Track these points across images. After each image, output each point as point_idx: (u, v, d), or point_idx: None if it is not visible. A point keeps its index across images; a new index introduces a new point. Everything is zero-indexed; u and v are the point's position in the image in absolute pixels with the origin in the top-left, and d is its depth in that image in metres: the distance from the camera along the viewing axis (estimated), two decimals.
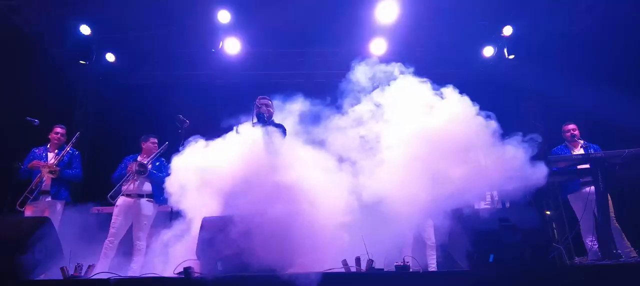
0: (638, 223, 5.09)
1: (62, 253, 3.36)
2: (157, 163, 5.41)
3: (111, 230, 5.00)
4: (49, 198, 5.06)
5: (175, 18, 7.79)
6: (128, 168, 5.18)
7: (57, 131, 5.34)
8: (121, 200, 5.13)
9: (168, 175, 5.33)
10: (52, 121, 5.49)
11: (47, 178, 5.03)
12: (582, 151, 5.03)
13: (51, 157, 5.20)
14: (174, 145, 4.96)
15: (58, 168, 5.05)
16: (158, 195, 5.23)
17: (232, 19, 7.58)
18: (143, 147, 5.47)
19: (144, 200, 5.14)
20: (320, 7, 7.61)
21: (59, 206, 5.12)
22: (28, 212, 4.96)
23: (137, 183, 5.15)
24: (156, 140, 5.50)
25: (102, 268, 4.61)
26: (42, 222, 3.27)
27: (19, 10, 7.41)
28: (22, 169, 5.01)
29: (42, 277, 3.25)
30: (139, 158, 5.36)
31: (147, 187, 5.21)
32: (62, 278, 3.03)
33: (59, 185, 5.12)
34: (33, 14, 7.59)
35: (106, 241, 4.95)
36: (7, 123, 6.12)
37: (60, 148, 5.31)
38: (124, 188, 5.17)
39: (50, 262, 3.23)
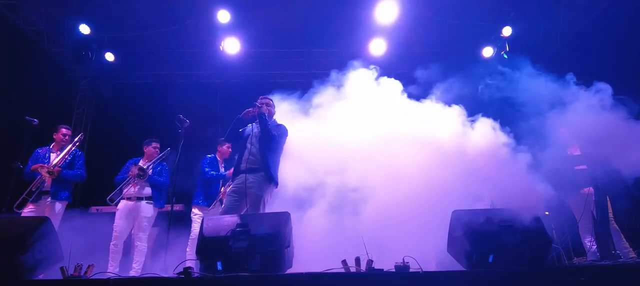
0: (637, 224, 5.09)
1: (62, 253, 3.36)
2: (159, 168, 5.44)
3: (114, 233, 5.07)
4: (49, 199, 5.06)
5: (175, 18, 7.81)
6: (129, 173, 5.22)
7: (64, 132, 5.34)
8: (122, 204, 5.21)
9: (167, 179, 5.41)
10: (52, 121, 5.48)
11: (48, 179, 5.03)
12: (579, 152, 5.03)
13: (54, 158, 5.20)
14: (174, 146, 4.98)
15: (57, 169, 5.05)
16: (157, 198, 5.31)
17: (231, 18, 7.59)
18: (145, 151, 5.50)
19: (143, 203, 5.21)
20: (320, 7, 7.63)
21: (59, 206, 5.12)
22: (27, 212, 4.97)
23: (137, 186, 5.20)
24: (158, 145, 5.54)
25: (112, 269, 4.76)
26: (42, 222, 3.27)
27: (19, 10, 7.42)
28: (25, 170, 5.02)
29: (41, 277, 3.26)
30: (140, 162, 5.41)
31: (147, 190, 5.28)
32: (61, 278, 3.03)
33: (59, 186, 5.12)
34: (33, 14, 7.60)
35: (111, 244, 5.05)
36: (6, 123, 6.12)
37: (64, 149, 5.32)
38: (124, 191, 5.22)
39: (50, 262, 3.23)
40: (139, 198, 5.19)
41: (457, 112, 4.80)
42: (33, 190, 4.97)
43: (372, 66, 5.31)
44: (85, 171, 5.43)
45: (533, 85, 4.66)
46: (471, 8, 7.66)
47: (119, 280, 3.00)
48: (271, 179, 4.11)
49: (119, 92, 9.05)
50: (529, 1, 7.73)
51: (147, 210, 5.20)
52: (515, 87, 4.78)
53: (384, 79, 5.17)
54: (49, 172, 4.99)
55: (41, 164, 5.04)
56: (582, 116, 4.17)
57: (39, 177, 5.00)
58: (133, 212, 5.16)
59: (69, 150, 5.28)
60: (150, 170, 5.30)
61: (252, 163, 4.14)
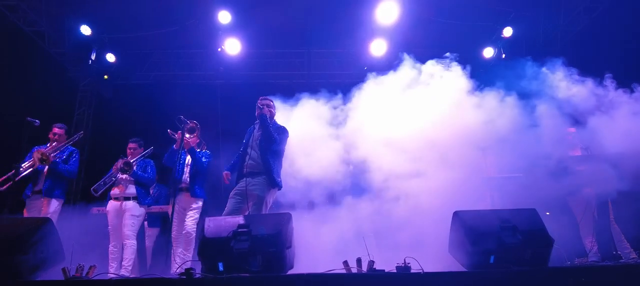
0: (637, 225, 5.08)
1: (64, 254, 3.36)
2: (143, 164, 5.44)
3: (110, 235, 5.08)
4: (43, 197, 5.06)
5: (175, 18, 7.81)
6: (114, 166, 5.24)
7: (55, 131, 5.37)
8: (110, 205, 5.22)
9: (153, 176, 5.39)
10: (53, 122, 5.50)
11: (36, 163, 5.02)
12: (580, 153, 5.03)
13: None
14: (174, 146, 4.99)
15: (52, 156, 5.06)
16: (143, 196, 5.29)
17: (232, 19, 7.59)
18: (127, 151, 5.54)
19: (129, 202, 5.20)
20: (320, 7, 7.63)
21: (55, 204, 5.13)
22: (23, 212, 4.98)
23: (123, 187, 5.22)
24: (133, 145, 5.50)
25: (113, 271, 4.76)
26: (44, 222, 3.27)
27: (19, 10, 7.42)
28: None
29: (43, 278, 3.26)
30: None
31: (132, 189, 5.27)
32: (63, 278, 3.04)
33: (51, 182, 5.12)
34: (33, 14, 7.60)
35: (110, 246, 5.06)
36: (7, 124, 6.12)
37: (60, 146, 5.34)
38: (111, 192, 5.25)
39: (52, 263, 3.23)
40: (126, 198, 5.20)
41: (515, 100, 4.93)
42: (22, 174, 4.94)
43: (447, 53, 5.13)
44: (77, 168, 5.45)
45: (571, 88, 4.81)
46: (471, 8, 7.66)
47: (121, 281, 3.01)
48: (274, 183, 4.10)
49: (119, 92, 9.06)
50: (529, 1, 7.73)
51: (133, 208, 5.19)
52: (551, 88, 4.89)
53: (455, 65, 5.06)
54: (42, 160, 4.99)
55: (38, 149, 5.07)
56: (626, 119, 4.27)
57: (30, 159, 5.03)
58: (120, 211, 5.18)
59: (64, 145, 5.31)
60: (135, 166, 5.31)
61: (253, 168, 4.13)
